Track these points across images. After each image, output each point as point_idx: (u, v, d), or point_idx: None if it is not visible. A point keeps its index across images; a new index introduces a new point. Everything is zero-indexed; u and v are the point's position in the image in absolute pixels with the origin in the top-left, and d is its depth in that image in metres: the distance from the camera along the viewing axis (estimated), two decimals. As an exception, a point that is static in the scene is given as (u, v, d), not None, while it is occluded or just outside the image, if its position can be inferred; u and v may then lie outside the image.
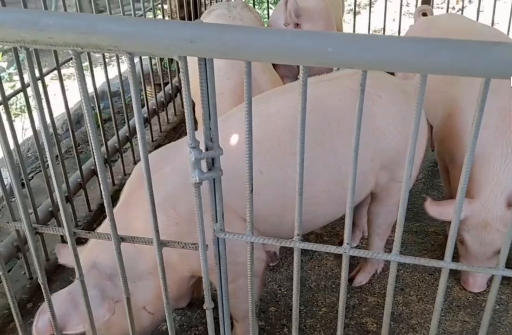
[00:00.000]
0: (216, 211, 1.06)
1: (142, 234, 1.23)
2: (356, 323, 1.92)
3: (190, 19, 3.48)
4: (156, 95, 3.15)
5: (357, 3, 4.36)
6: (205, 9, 3.64)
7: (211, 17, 2.56)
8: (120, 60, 2.63)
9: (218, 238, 1.09)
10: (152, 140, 3.11)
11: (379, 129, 1.72)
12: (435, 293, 2.05)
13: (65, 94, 2.09)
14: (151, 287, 1.58)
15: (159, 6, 3.29)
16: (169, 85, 3.39)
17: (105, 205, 1.04)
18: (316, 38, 0.83)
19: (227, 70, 2.14)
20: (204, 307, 1.16)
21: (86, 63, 2.54)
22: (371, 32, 4.26)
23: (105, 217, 2.44)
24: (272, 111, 1.67)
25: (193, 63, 0.91)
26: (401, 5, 3.79)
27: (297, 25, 2.67)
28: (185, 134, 0.96)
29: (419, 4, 4.15)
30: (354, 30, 4.05)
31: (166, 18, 3.63)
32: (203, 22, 0.88)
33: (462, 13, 3.95)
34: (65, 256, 1.62)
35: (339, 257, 2.24)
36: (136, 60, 3.33)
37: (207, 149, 0.99)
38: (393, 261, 1.05)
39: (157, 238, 1.08)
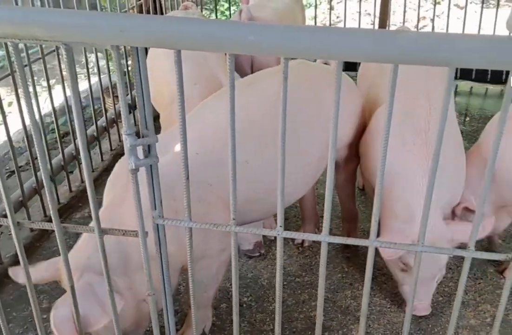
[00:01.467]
0: (154, 197, 1.11)
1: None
2: (305, 317, 1.98)
3: None
4: (115, 106, 3.18)
5: (324, 23, 4.49)
6: None
7: None
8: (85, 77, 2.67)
9: (157, 225, 1.14)
10: (111, 149, 3.13)
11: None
12: (382, 287, 2.14)
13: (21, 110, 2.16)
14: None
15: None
16: (128, 96, 3.42)
17: (91, 206, 1.07)
18: (238, 27, 0.90)
19: (193, 76, 2.21)
20: (146, 293, 1.19)
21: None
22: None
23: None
24: (251, 101, 1.81)
25: (150, 71, 0.96)
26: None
27: None
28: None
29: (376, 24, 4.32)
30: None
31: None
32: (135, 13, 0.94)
33: (416, 29, 4.10)
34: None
35: (291, 256, 2.31)
36: (103, 75, 3.35)
37: (142, 137, 1.04)
38: (323, 241, 1.11)
39: (98, 225, 1.12)
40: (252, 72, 2.75)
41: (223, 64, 2.24)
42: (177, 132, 1.06)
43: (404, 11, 4.14)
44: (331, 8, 4.36)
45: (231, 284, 2.10)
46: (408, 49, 0.86)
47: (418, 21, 4.32)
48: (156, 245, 1.16)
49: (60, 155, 2.61)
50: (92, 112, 2.87)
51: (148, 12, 3.59)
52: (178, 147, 1.54)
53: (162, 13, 3.77)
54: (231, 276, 2.07)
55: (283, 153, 1.03)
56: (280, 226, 1.10)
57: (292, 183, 1.78)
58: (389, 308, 2.03)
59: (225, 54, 0.94)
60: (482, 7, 3.92)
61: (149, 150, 1.05)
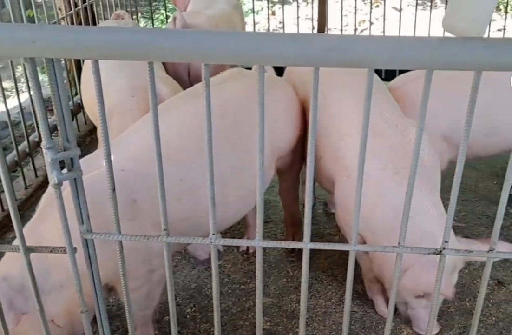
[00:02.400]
0: (80, 211, 1.08)
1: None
2: (250, 324, 1.97)
3: None
4: (47, 120, 3.09)
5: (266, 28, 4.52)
6: None
7: None
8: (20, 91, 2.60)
9: (86, 240, 1.11)
10: (45, 165, 3.04)
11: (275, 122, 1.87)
12: (327, 289, 2.16)
13: None
14: (62, 299, 1.55)
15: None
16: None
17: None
18: (152, 35, 0.89)
19: (130, 87, 2.19)
20: (79, 310, 1.16)
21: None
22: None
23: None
24: (186, 116, 1.75)
25: (88, 83, 0.93)
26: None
27: None
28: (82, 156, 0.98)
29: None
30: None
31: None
32: (46, 24, 0.91)
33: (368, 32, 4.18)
34: None
35: (236, 264, 2.30)
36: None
37: (64, 150, 1.01)
38: (258, 246, 1.10)
39: (22, 243, 1.08)
40: (189, 79, 2.74)
41: (162, 75, 2.22)
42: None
43: (342, 15, 4.21)
44: (269, 15, 4.38)
45: (174, 296, 2.08)
46: (328, 52, 0.87)
47: (356, 24, 4.41)
48: (86, 260, 1.13)
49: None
50: (24, 127, 2.77)
51: (80, 23, 3.52)
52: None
53: (95, 24, 3.70)
54: (176, 288, 2.08)
55: (211, 163, 1.02)
56: (213, 234, 1.09)
57: (240, 196, 1.77)
58: (334, 308, 2.05)
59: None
60: (416, 10, 4.03)
61: (72, 164, 1.03)
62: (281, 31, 4.43)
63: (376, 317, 2.02)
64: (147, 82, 0.94)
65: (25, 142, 2.84)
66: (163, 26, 5.92)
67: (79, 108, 3.38)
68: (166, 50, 0.87)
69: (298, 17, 4.27)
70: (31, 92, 0.90)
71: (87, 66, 2.38)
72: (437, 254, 1.10)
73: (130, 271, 1.58)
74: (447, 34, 0.94)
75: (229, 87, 1.91)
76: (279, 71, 2.34)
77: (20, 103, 2.77)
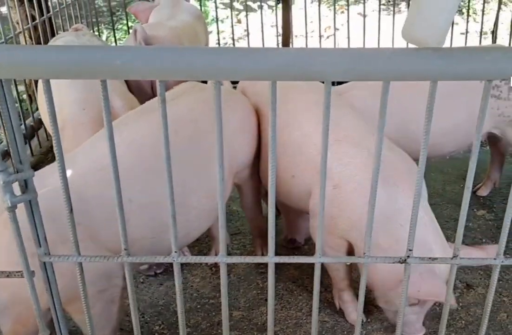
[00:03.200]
0: (37, 234, 1.04)
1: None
2: (221, 339, 1.95)
3: None
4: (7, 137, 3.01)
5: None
6: None
7: (58, 44, 2.53)
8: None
9: (44, 263, 1.07)
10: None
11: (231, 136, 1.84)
12: (297, 300, 2.15)
13: None
14: (6, 322, 1.50)
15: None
16: (22, 126, 3.26)
17: None
18: (104, 52, 0.87)
19: (82, 100, 2.15)
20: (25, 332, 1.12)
21: None
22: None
23: None
24: (135, 137, 1.70)
25: (40, 101, 0.90)
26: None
27: None
28: None
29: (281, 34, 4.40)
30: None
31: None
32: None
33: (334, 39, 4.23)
34: None
35: (204, 278, 2.27)
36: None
37: (17, 172, 0.98)
38: (222, 262, 1.09)
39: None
40: (153, 92, 2.71)
41: (115, 87, 2.19)
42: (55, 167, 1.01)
43: (306, 23, 4.23)
44: (232, 23, 4.37)
45: (142, 314, 2.05)
46: (284, 65, 0.87)
47: (320, 31, 4.43)
48: (46, 284, 1.09)
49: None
50: None
51: (39, 37, 3.46)
52: (51, 182, 1.48)
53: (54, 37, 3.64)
54: (140, 304, 2.03)
55: (170, 181, 1.00)
56: (175, 252, 1.07)
57: (199, 213, 1.74)
58: (305, 319, 2.04)
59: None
60: (379, 15, 4.07)
61: (26, 186, 1.00)
62: (246, 39, 4.42)
63: (347, 326, 2.02)
64: (99, 95, 0.92)
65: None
66: (126, 37, 5.87)
67: (40, 123, 3.31)
68: (119, 67, 0.85)
69: (262, 24, 4.25)
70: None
71: (41, 84, 2.35)
72: (402, 263, 1.10)
73: (77, 292, 1.55)
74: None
75: (183, 102, 1.87)
76: (236, 82, 2.34)
77: None
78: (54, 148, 0.96)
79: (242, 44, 5.46)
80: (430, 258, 1.15)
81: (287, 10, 4.42)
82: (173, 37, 2.86)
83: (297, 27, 4.74)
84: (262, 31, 4.19)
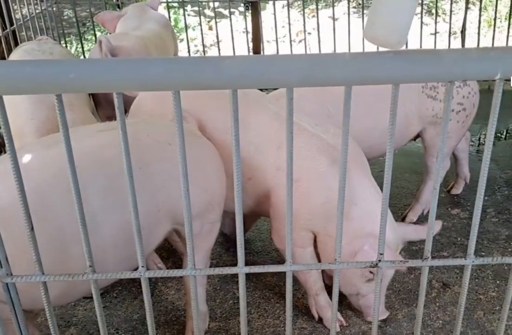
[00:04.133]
0: (-2, 255, 1.01)
1: None
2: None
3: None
4: None
5: (204, 43, 4.49)
6: None
7: (19, 52, 2.50)
8: None
9: (7, 284, 1.04)
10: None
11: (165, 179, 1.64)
12: (275, 307, 2.13)
13: None
14: None
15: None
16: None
17: None
18: (57, 65, 0.84)
19: (30, 110, 2.12)
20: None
21: None
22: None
23: None
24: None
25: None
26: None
27: None
28: None
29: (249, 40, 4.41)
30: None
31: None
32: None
33: (305, 44, 4.23)
34: None
35: (179, 290, 2.23)
36: None
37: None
38: (189, 275, 1.06)
39: None
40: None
41: (69, 99, 2.15)
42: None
43: (276, 28, 4.24)
44: (202, 31, 4.35)
45: (116, 330, 2.01)
46: (243, 73, 0.86)
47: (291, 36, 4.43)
48: (10, 305, 1.06)
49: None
50: None
51: (2, 51, 3.40)
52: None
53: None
54: (114, 320, 1.98)
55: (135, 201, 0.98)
56: (142, 266, 1.04)
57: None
58: (283, 327, 2.02)
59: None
60: (349, 18, 4.08)
61: (-18, 205, 0.96)
62: (218, 46, 4.41)
63: (325, 332, 2.01)
64: (51, 106, 0.90)
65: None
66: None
67: None
68: (73, 81, 0.83)
69: (231, 30, 4.24)
70: None
71: None
72: (373, 267, 1.09)
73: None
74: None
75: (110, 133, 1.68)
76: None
77: None
78: (12, 167, 0.93)
79: (213, 51, 5.44)
80: (401, 261, 1.15)
81: (257, 16, 4.43)
82: (140, 46, 2.82)
83: (268, 32, 4.75)
84: (232, 38, 4.18)
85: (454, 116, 2.44)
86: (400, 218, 2.67)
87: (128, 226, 1.49)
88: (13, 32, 3.44)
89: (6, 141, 0.92)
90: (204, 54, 4.77)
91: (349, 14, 4.10)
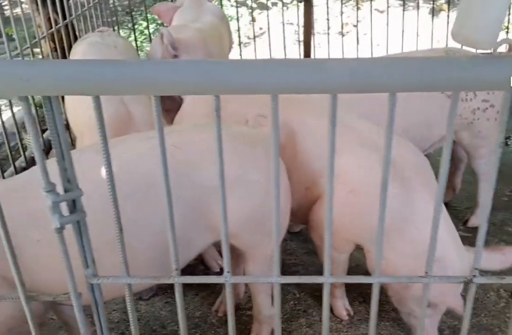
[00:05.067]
0: (85, 255, 1.00)
1: None
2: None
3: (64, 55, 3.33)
4: (44, 161, 2.95)
5: (248, 34, 4.45)
6: None
7: (83, 45, 2.51)
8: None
9: (92, 285, 1.03)
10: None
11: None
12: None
13: None
14: None
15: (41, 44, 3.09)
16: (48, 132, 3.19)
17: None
18: (160, 66, 0.81)
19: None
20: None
21: None
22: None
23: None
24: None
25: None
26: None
27: (175, 57, 2.67)
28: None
29: (301, 33, 4.36)
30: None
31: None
32: (39, 59, 0.83)
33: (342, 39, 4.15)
34: None
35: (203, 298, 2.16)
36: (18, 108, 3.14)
37: (65, 191, 0.94)
38: (275, 282, 1.03)
39: (23, 291, 1.00)
40: (180, 97, 2.65)
41: (138, 99, 2.14)
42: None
43: (328, 19, 4.18)
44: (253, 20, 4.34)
45: None
46: (341, 78, 0.81)
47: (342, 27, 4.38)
48: (93, 306, 1.05)
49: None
50: (8, 151, 2.65)
51: (61, 40, 3.42)
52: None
53: (76, 40, 3.60)
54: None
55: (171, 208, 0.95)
56: (228, 272, 1.02)
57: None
58: (346, 331, 1.98)
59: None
60: (403, 10, 4.01)
61: (74, 205, 0.95)
62: (263, 37, 4.37)
63: None
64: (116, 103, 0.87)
65: (12, 168, 2.72)
66: (143, 37, 5.83)
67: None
68: (176, 82, 0.80)
69: (283, 23, 4.21)
70: (29, 134, 0.82)
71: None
72: (467, 283, 1.04)
73: None
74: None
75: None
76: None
77: (3, 124, 2.65)
78: (105, 169, 0.91)
79: (257, 43, 5.37)
80: (498, 277, 1.09)
81: (309, 9, 4.35)
82: (199, 40, 2.80)
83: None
84: (283, 28, 4.12)
85: (481, 115, 2.30)
86: (462, 221, 2.58)
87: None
88: (71, 22, 3.46)
89: (102, 144, 0.90)
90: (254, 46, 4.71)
91: (404, 5, 4.03)
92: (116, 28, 4.11)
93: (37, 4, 3.26)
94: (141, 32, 5.96)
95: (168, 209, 0.95)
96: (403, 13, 3.94)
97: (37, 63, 0.80)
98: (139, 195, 1.49)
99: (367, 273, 1.81)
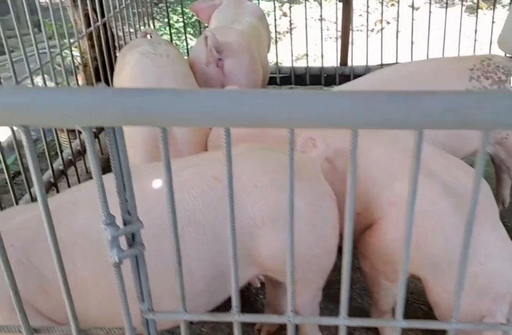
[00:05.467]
0: (141, 289, 0.94)
1: None
2: None
3: (103, 59, 3.29)
4: (71, 143, 2.93)
5: (278, 30, 4.38)
6: (119, 49, 3.46)
7: (136, 55, 2.39)
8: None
9: (147, 320, 0.97)
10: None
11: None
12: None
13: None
14: None
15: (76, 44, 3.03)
16: (77, 140, 3.10)
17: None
18: (229, 98, 0.75)
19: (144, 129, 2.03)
20: None
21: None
22: (294, 57, 4.32)
23: None
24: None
25: None
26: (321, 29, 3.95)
27: (219, 60, 2.59)
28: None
29: (339, 27, 4.27)
30: (277, 58, 4.17)
31: (79, 59, 3.44)
32: (103, 88, 0.77)
33: (381, 34, 4.05)
34: None
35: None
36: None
37: (124, 224, 0.88)
38: (341, 324, 0.97)
39: (75, 325, 0.95)
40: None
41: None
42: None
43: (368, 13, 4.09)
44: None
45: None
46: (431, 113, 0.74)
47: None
48: (147, 340, 1.00)
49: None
50: (46, 150, 2.59)
51: (98, 39, 3.38)
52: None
53: (113, 40, 3.56)
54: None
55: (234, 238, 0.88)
56: (291, 311, 0.96)
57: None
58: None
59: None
60: (446, 8, 3.88)
61: (133, 238, 0.90)
62: (292, 32, 4.28)
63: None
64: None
65: (49, 171, 2.66)
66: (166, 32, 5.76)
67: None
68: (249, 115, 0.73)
69: (321, 18, 4.12)
70: (91, 162, 0.77)
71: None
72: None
73: None
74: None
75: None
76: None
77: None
78: (168, 202, 0.85)
79: (287, 38, 5.28)
80: None
81: (348, 7, 4.25)
82: (244, 43, 2.72)
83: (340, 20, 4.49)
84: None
85: None
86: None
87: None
88: (107, 22, 3.41)
89: (166, 183, 0.84)
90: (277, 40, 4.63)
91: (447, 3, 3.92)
92: (153, 25, 4.06)
93: (74, 0, 3.21)
94: (171, 26, 5.87)
95: (232, 248, 0.89)
96: (446, 11, 3.81)
97: (103, 92, 0.75)
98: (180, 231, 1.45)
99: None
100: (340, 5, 4.21)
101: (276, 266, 1.53)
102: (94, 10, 3.23)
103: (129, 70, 2.30)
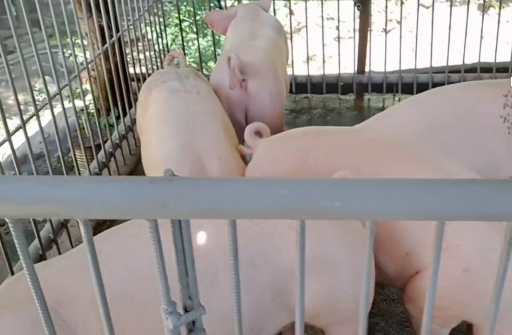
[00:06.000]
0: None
1: None
2: None
3: (118, 77, 3.21)
4: (88, 160, 2.84)
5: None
6: (133, 68, 3.35)
7: (163, 93, 2.24)
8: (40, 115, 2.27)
9: None
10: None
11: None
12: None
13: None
14: None
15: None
16: (109, 143, 3.08)
17: None
18: (311, 190, 0.69)
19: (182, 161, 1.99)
20: None
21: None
22: (303, 58, 4.26)
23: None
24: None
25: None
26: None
27: (243, 81, 2.49)
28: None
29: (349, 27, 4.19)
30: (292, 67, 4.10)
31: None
32: (173, 176, 0.71)
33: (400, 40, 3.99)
34: None
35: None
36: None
37: (185, 310, 0.83)
38: None
39: None
40: (246, 122, 2.51)
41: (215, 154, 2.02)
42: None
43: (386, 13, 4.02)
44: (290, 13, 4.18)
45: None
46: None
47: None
48: None
49: (36, 240, 2.24)
50: (63, 166, 2.44)
51: (114, 55, 3.28)
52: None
53: (123, 58, 3.42)
54: None
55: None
56: None
57: None
58: None
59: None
60: (451, 6, 3.80)
61: (193, 324, 0.84)
62: (302, 31, 4.22)
63: None
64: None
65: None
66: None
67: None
68: (337, 210, 0.68)
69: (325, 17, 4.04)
70: (155, 261, 0.72)
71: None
72: None
73: None
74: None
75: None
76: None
77: (56, 128, 2.41)
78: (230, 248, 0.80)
79: (296, 38, 5.19)
80: None
81: (366, 15, 4.19)
82: (267, 62, 2.61)
83: (351, 21, 4.39)
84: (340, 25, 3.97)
85: None
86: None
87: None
88: (119, 39, 3.32)
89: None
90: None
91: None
92: (165, 35, 4.00)
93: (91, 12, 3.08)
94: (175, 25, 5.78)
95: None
96: (451, 10, 3.71)
97: (176, 186, 0.69)
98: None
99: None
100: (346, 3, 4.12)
101: (312, 312, 1.49)
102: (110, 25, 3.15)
103: (156, 110, 2.20)
